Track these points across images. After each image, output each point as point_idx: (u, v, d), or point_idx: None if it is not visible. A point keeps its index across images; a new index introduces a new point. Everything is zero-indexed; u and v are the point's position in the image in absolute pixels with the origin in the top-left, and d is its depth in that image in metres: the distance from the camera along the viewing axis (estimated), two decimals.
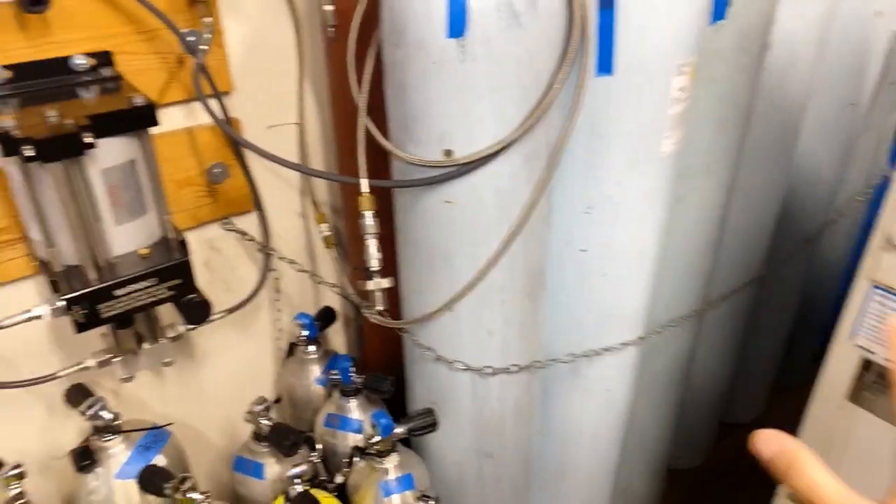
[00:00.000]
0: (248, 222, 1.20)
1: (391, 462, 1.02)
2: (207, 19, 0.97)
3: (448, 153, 0.85)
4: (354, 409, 1.15)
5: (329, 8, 0.98)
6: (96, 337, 1.03)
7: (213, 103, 1.02)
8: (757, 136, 1.34)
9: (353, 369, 1.13)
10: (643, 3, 0.85)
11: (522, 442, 1.16)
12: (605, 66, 0.92)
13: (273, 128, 1.16)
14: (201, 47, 0.96)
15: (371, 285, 0.90)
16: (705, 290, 1.38)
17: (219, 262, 1.19)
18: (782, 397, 1.95)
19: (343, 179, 0.88)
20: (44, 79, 0.89)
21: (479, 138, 0.84)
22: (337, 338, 1.46)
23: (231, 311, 1.15)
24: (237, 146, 1.11)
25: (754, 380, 1.96)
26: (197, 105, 1.07)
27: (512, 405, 1.08)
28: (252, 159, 1.14)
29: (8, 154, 0.74)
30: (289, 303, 1.31)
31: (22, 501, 0.94)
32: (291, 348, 1.29)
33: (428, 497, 0.91)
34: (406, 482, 1.02)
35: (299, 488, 0.94)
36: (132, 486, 1.01)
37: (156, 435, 1.07)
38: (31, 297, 1.00)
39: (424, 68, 0.82)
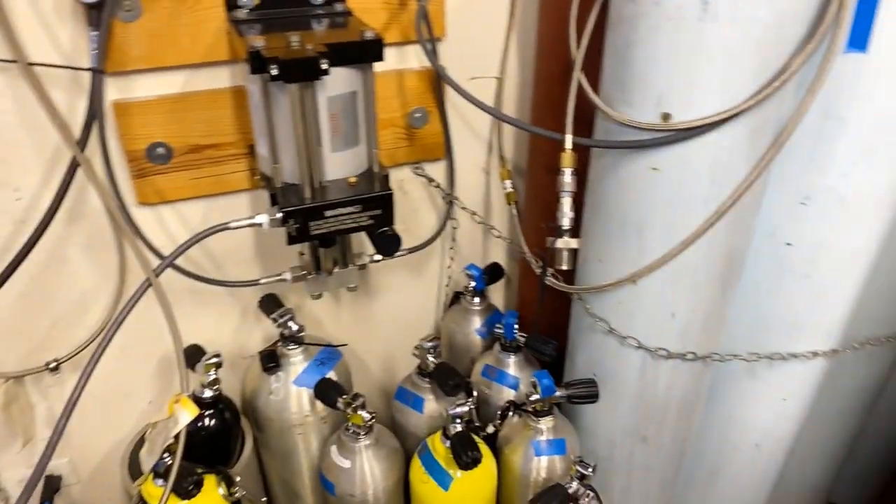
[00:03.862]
0: (436, 170, 1.24)
1: (546, 423, 1.02)
2: None
3: (666, 117, 0.81)
4: (512, 366, 1.16)
5: None
6: (294, 255, 1.12)
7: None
8: None
9: (517, 327, 1.14)
10: None
11: (681, 434, 1.11)
12: (859, 41, 0.83)
13: (474, 80, 1.18)
14: None
15: (560, 244, 0.89)
16: None
17: (404, 203, 1.24)
18: None
19: (550, 134, 0.87)
20: (285, 8, 0.96)
21: (701, 105, 0.79)
22: (496, 295, 1.48)
23: (411, 250, 1.20)
24: (440, 93, 1.13)
25: None
26: (408, 48, 1.11)
27: (679, 393, 1.03)
28: (449, 109, 1.17)
29: (255, 71, 0.81)
30: (459, 253, 1.34)
31: (217, 386, 1.06)
32: (456, 297, 1.32)
33: (587, 464, 0.90)
34: (558, 446, 1.02)
35: (458, 427, 0.97)
36: (306, 393, 1.10)
37: (331, 353, 1.15)
38: (245, 209, 1.11)
39: (657, 24, 0.78)
